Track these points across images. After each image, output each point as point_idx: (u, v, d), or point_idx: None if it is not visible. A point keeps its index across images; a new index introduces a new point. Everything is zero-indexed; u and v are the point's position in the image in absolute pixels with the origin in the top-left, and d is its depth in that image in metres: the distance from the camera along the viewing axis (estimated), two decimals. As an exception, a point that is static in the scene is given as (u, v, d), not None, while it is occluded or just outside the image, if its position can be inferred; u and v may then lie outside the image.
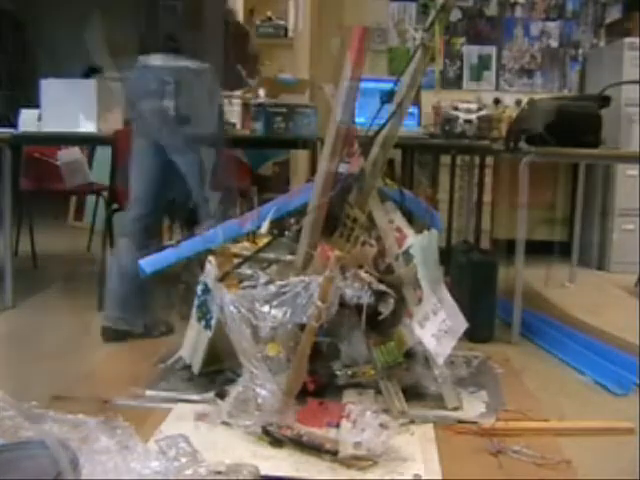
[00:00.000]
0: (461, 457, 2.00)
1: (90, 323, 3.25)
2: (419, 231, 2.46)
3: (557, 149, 3.48)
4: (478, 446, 2.07)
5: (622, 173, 5.16)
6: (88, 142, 4.78)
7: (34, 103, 3.85)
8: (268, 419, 2.06)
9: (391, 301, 2.26)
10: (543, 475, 1.90)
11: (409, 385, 2.37)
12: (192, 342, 2.52)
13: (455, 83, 5.77)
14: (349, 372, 2.39)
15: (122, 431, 1.72)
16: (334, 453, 1.93)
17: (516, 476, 1.90)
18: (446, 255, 3.34)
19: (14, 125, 3.83)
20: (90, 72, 7.50)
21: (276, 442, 2.02)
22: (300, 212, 2.43)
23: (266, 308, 2.20)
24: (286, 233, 2.47)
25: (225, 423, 2.13)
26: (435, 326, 2.35)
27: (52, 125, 3.73)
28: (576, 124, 3.27)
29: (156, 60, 2.90)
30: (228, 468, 1.71)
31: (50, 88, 3.79)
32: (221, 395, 2.26)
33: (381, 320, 2.26)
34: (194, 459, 1.73)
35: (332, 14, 5.51)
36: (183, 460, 1.72)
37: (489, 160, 5.21)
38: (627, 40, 5.12)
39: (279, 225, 2.45)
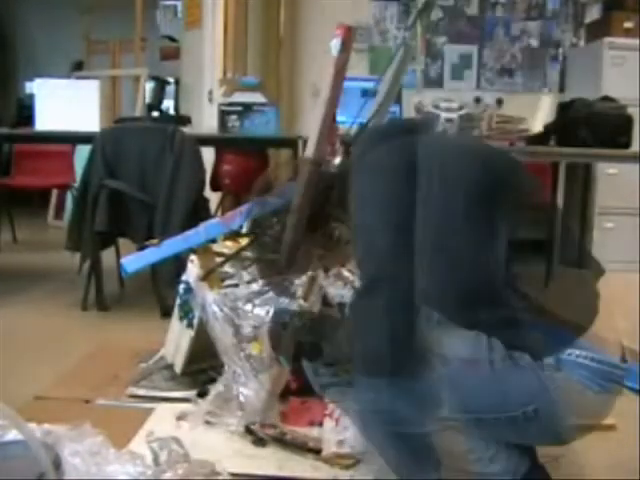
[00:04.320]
0: (444, 454, 2.01)
1: (73, 323, 3.24)
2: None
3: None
4: (460, 443, 2.08)
5: (602, 172, 5.19)
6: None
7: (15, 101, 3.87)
8: (251, 418, 2.06)
9: (373, 300, 2.25)
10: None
11: (391, 383, 2.37)
12: (174, 341, 2.51)
13: (436, 82, 5.78)
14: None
15: (92, 439, 1.69)
16: (317, 451, 1.93)
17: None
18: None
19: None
20: (76, 66, 7.55)
21: (259, 441, 2.02)
22: (283, 211, 2.42)
23: (249, 307, 2.20)
24: (268, 232, 2.46)
25: (207, 422, 2.13)
26: (417, 324, 2.36)
27: (48, 124, 3.75)
28: (609, 125, 3.31)
29: None
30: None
31: (44, 87, 3.88)
32: (203, 394, 2.25)
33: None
34: (185, 461, 1.72)
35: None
36: (175, 463, 1.70)
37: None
38: (607, 40, 5.16)
39: (261, 224, 2.44)
